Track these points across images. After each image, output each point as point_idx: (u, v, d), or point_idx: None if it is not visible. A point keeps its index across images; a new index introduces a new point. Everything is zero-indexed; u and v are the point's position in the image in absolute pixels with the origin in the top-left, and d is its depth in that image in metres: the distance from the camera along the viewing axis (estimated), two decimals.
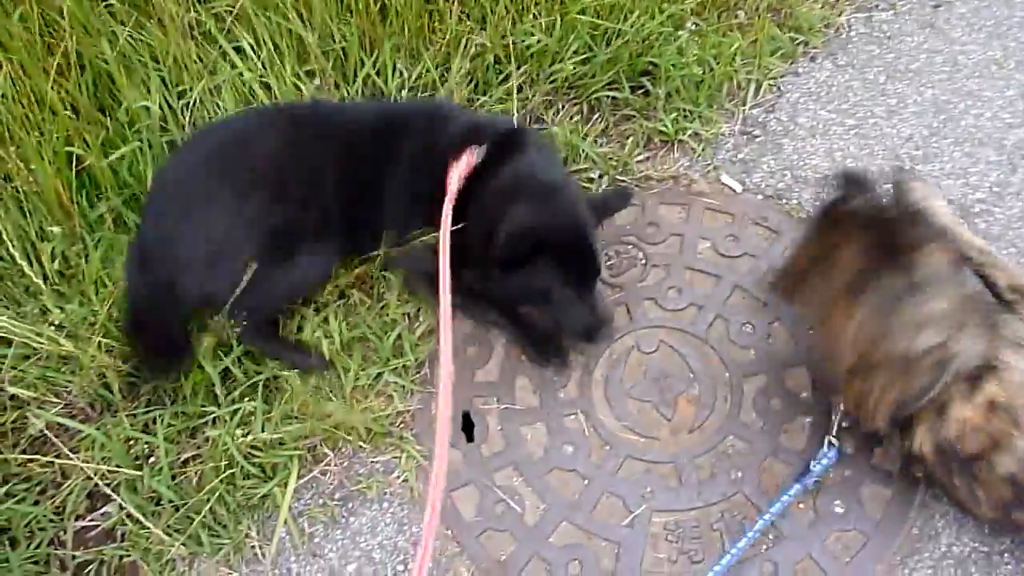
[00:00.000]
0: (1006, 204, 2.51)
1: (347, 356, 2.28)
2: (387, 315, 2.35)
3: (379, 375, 2.28)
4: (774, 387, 2.23)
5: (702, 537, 2.05)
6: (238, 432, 2.12)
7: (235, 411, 2.19)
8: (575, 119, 2.72)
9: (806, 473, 2.03)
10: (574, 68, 2.69)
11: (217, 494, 2.09)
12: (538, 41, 2.64)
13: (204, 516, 2.07)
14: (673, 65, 2.71)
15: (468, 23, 2.67)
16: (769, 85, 2.84)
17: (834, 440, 2.05)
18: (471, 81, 2.62)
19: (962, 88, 2.81)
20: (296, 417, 2.18)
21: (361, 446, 2.21)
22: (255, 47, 2.55)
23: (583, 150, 2.62)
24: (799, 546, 2.02)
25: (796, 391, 2.22)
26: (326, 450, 2.21)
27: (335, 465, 2.20)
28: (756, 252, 2.45)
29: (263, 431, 2.14)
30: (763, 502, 2.06)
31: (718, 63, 2.76)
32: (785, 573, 1.99)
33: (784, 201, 2.57)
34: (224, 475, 2.10)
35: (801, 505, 2.07)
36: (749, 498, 2.09)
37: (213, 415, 2.19)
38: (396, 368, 2.29)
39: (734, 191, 2.61)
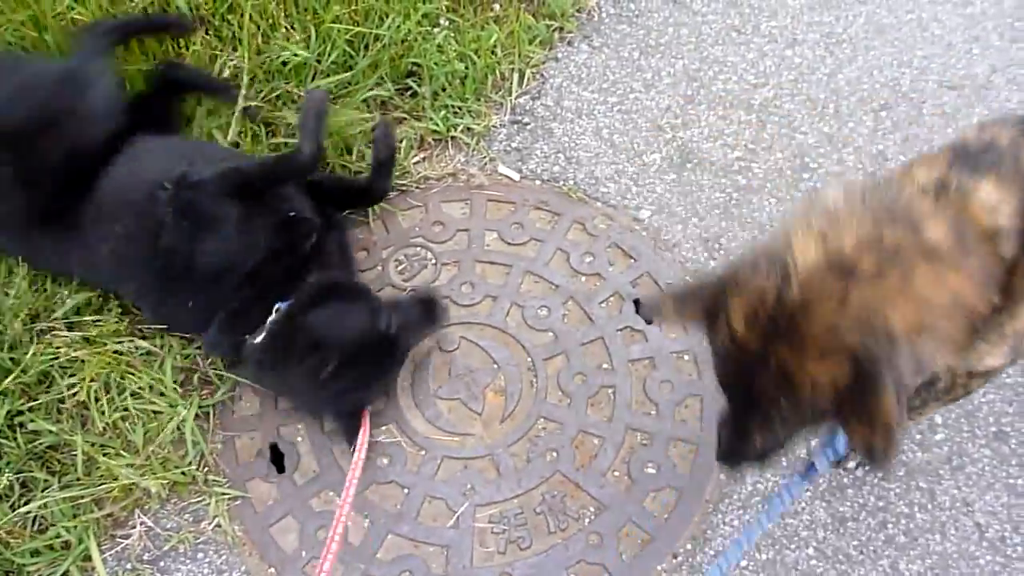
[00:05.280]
0: (761, 159, 2.69)
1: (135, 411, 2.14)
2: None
3: (173, 421, 2.15)
4: (575, 364, 2.28)
5: (527, 523, 2.07)
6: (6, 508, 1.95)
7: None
8: None
9: (811, 470, 1.73)
10: (337, 78, 2.64)
11: None
12: (294, 55, 2.57)
13: None
14: (435, 63, 2.72)
15: (218, 44, 2.56)
16: (532, 73, 2.91)
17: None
18: None
19: (709, 56, 2.98)
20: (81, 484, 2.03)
21: (165, 499, 2.09)
22: None
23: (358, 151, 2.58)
24: (619, 513, 2.07)
25: (595, 365, 2.28)
26: (125, 513, 2.07)
27: (139, 526, 2.06)
28: (541, 236, 2.50)
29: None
30: (580, 478, 2.11)
31: (479, 57, 2.79)
32: (610, 541, 2.03)
33: (561, 183, 2.64)
34: None
35: (616, 473, 2.13)
36: (567, 476, 2.12)
37: None
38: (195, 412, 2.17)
39: (512, 180, 2.65)
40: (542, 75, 2.93)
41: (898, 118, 2.78)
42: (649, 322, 1.56)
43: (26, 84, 2.18)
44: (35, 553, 1.97)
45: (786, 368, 1.30)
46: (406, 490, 2.12)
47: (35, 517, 2.01)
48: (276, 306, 2.05)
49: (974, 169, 1.40)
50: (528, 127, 2.78)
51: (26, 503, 2.01)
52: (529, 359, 2.29)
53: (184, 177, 2.03)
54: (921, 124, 2.76)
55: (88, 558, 2.00)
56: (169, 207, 2.01)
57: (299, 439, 2.19)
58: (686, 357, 2.29)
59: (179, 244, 2.02)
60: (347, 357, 1.98)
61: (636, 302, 2.36)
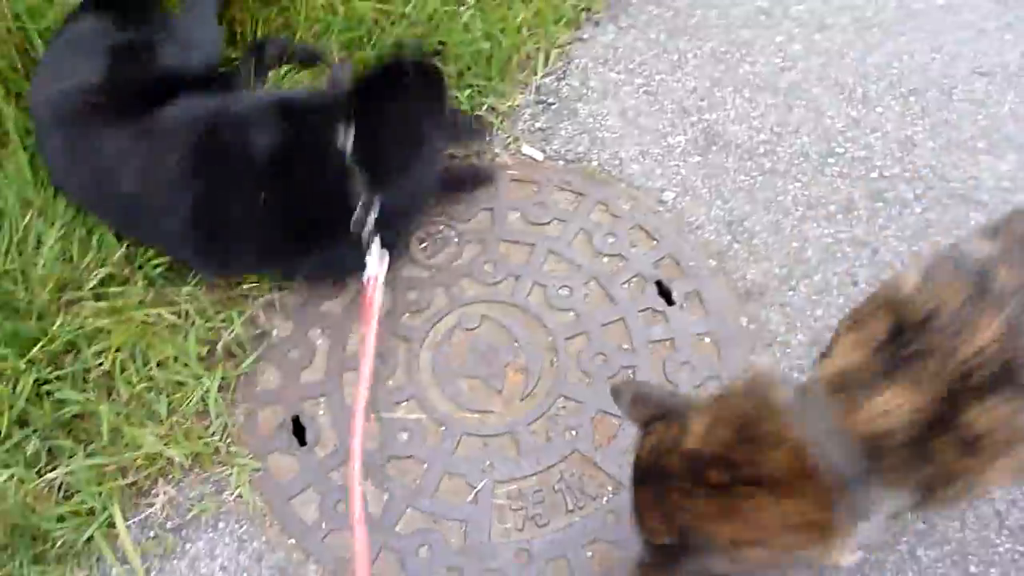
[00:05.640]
0: (787, 142, 2.67)
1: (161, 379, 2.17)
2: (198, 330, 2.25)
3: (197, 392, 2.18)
4: (596, 344, 2.28)
5: (545, 500, 2.08)
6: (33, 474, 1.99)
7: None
8: None
9: None
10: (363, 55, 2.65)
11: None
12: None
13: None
14: (461, 42, 2.72)
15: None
16: (558, 53, 2.90)
17: None
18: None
19: (736, 39, 2.96)
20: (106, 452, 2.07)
21: (188, 469, 2.12)
22: None
23: None
24: None
25: (616, 345, 2.28)
26: (149, 482, 2.10)
27: (163, 494, 2.10)
28: (564, 216, 2.50)
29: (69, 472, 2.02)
30: (598, 457, 2.12)
31: (505, 36, 2.78)
32: (627, 520, 2.04)
33: (585, 164, 2.63)
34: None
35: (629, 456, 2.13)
36: (585, 454, 2.13)
37: None
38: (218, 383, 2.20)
39: (536, 160, 2.65)
40: (568, 55, 2.91)
41: (927, 104, 2.75)
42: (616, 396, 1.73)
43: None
44: (61, 519, 2.00)
45: (642, 502, 1.55)
46: (425, 465, 2.13)
47: (61, 484, 2.04)
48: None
49: (893, 369, 1.35)
50: (552, 107, 2.77)
51: (52, 470, 2.04)
52: (550, 338, 2.30)
53: (227, 109, 2.22)
54: (951, 110, 2.73)
55: (112, 525, 2.03)
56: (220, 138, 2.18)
57: (320, 412, 2.21)
58: (707, 339, 2.29)
59: (239, 172, 2.17)
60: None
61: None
